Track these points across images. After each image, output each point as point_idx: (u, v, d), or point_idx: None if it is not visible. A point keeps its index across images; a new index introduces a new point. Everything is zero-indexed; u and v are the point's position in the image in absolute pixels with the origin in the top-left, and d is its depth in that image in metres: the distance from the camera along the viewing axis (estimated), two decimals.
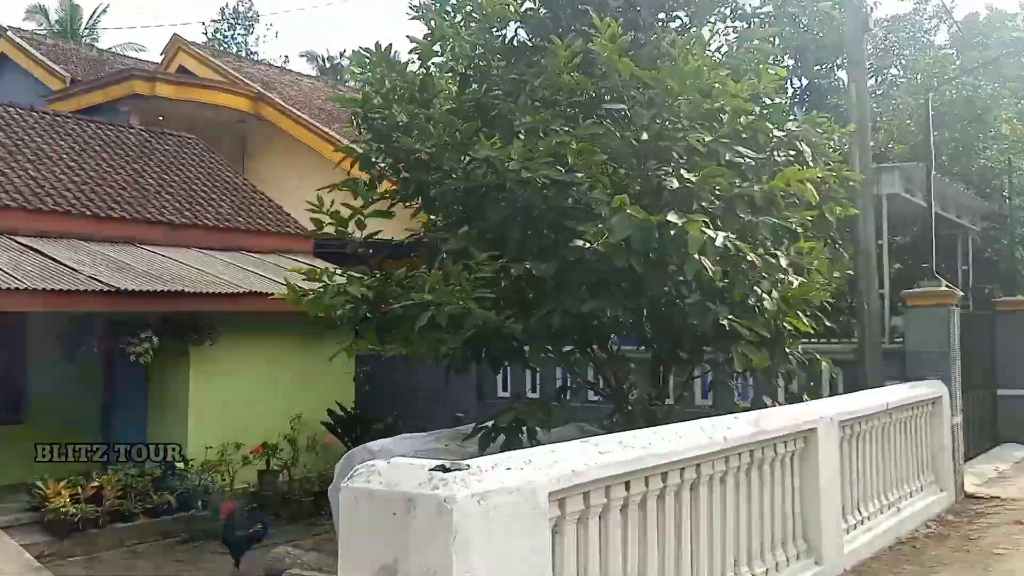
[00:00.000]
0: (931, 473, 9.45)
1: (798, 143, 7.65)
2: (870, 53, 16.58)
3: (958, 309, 10.22)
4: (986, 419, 13.40)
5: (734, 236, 5.90)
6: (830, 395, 11.05)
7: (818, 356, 8.11)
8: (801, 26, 15.00)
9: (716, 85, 6.60)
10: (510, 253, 6.48)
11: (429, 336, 6.24)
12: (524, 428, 6.50)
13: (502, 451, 6.56)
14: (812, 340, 12.08)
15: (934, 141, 16.30)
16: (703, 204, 6.55)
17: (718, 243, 5.65)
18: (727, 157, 7.10)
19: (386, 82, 7.52)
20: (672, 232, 5.67)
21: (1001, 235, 14.91)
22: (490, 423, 6.55)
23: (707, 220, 5.82)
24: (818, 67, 15.36)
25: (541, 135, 6.13)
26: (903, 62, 22.75)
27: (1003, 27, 23.39)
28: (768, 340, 7.10)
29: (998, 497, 9.87)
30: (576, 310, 5.91)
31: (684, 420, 5.72)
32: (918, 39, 23.40)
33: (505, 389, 13.95)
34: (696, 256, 5.66)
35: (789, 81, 15.84)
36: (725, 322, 6.47)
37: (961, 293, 10.20)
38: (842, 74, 15.97)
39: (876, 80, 18.39)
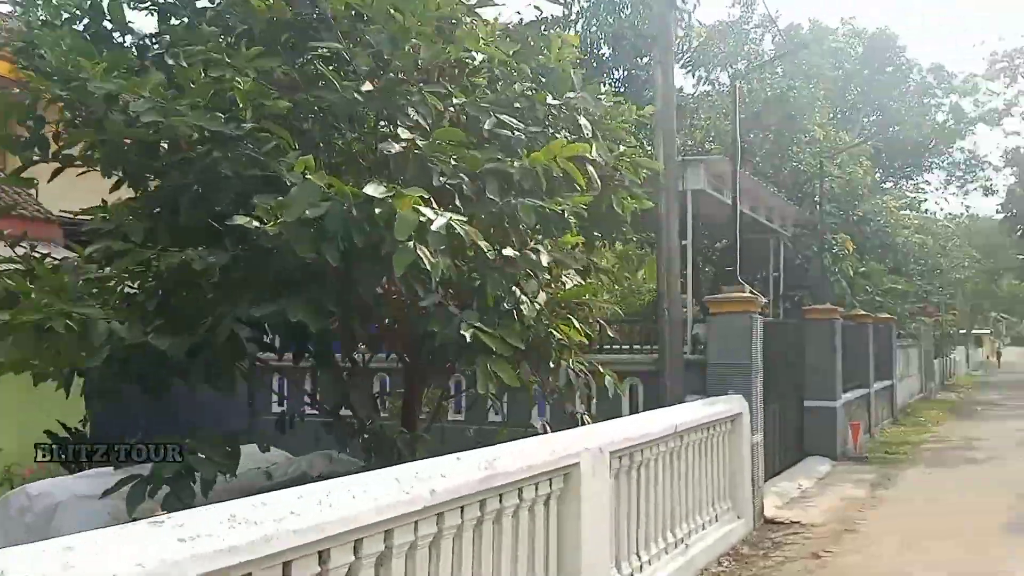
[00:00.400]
0: (728, 499, 8.52)
1: (576, 115, 6.42)
2: (692, 54, 16.08)
3: (761, 317, 9.42)
4: (793, 432, 12.91)
5: (463, 219, 4.49)
6: (631, 412, 10.04)
7: (601, 369, 6.93)
8: (620, 14, 14.17)
9: (462, 20, 5.20)
10: (185, 239, 4.81)
11: (59, 349, 4.48)
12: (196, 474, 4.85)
13: (165, 505, 4.91)
14: (617, 349, 11.21)
15: (749, 141, 15.91)
16: (447, 180, 5.15)
17: (436, 227, 4.23)
18: (487, 127, 5.77)
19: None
20: (378, 211, 4.20)
21: (812, 241, 14.63)
22: (146, 473, 4.85)
23: (427, 197, 4.39)
24: (637, 57, 14.64)
25: (207, 75, 4.49)
26: (730, 69, 22.67)
27: (824, 39, 23.82)
28: (530, 352, 5.82)
29: (798, 522, 9.11)
30: (248, 316, 4.33)
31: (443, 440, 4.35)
32: (743, 46, 23.43)
33: (283, 403, 12.22)
34: (410, 244, 4.22)
35: (608, 72, 15.00)
36: (467, 332, 5.09)
37: (764, 300, 9.41)
38: None
39: (698, 79, 18.00)
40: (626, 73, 14.83)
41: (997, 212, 52.49)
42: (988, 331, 67.66)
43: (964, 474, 12.22)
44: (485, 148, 5.71)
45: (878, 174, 24.33)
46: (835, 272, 14.97)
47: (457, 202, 5.22)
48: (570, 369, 6.60)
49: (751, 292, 9.32)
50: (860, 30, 32.77)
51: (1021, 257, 41.83)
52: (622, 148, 7.40)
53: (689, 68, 14.96)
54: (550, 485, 5.07)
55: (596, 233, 7.21)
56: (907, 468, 12.82)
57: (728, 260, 17.71)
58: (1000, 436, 16.84)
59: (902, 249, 20.38)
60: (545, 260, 5.48)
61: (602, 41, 14.58)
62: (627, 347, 10.48)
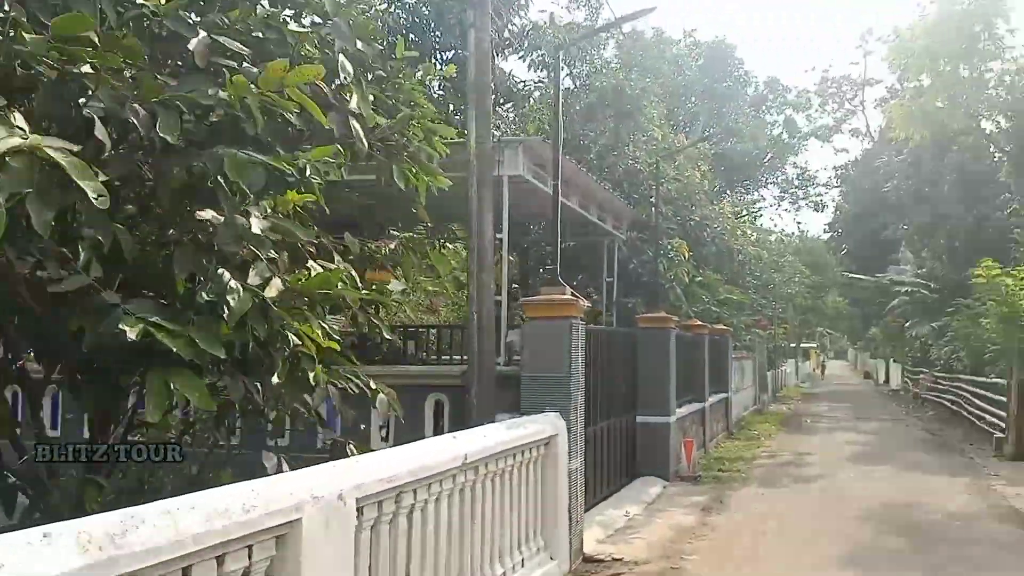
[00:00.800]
0: (539, 538, 7.18)
1: (335, 53, 4.87)
2: (529, 36, 14.95)
3: (583, 323, 8.20)
4: (624, 450, 11.86)
5: (68, 148, 2.82)
6: (435, 433, 8.56)
7: (373, 385, 5.38)
8: None
9: None
10: None
11: None
12: None
13: None
14: (423, 360, 9.78)
15: (583, 136, 14.92)
16: (95, 112, 3.47)
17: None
18: (195, 46, 4.12)
19: None
20: None
21: (648, 246, 13.77)
22: None
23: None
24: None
25: None
26: (575, 71, 21.86)
27: (667, 49, 23.49)
28: (253, 363, 4.22)
29: (620, 559, 7.91)
30: None
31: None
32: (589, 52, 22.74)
33: (56, 426, 10.05)
34: None
35: (436, 56, 13.57)
36: (132, 330, 3.43)
37: (587, 303, 8.19)
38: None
39: (530, 64, 16.84)
40: (454, 54, 13.48)
41: (825, 232, 55.51)
42: (815, 345, 71.40)
43: (797, 495, 11.55)
44: (187, 77, 4.08)
45: (717, 186, 24.20)
46: (670, 279, 14.18)
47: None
48: (332, 384, 5.06)
49: (573, 294, 8.06)
50: (701, 43, 33.24)
51: (846, 275, 43.86)
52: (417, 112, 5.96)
53: (522, 54, 13.87)
54: (249, 556, 3.47)
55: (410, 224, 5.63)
56: (740, 488, 12.04)
57: (573, 265, 16.72)
58: (829, 450, 16.64)
59: (739, 258, 20.12)
60: (257, 227, 3.88)
61: (431, 22, 13.15)
62: (434, 358, 9.00)
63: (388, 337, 5.38)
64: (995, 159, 29.78)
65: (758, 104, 35.87)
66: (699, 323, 16.17)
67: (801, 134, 38.44)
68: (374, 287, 5.68)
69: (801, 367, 57.26)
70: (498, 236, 8.53)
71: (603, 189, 11.48)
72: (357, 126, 4.93)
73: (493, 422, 7.72)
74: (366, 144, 5.01)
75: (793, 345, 52.23)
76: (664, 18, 74.74)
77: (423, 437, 8.05)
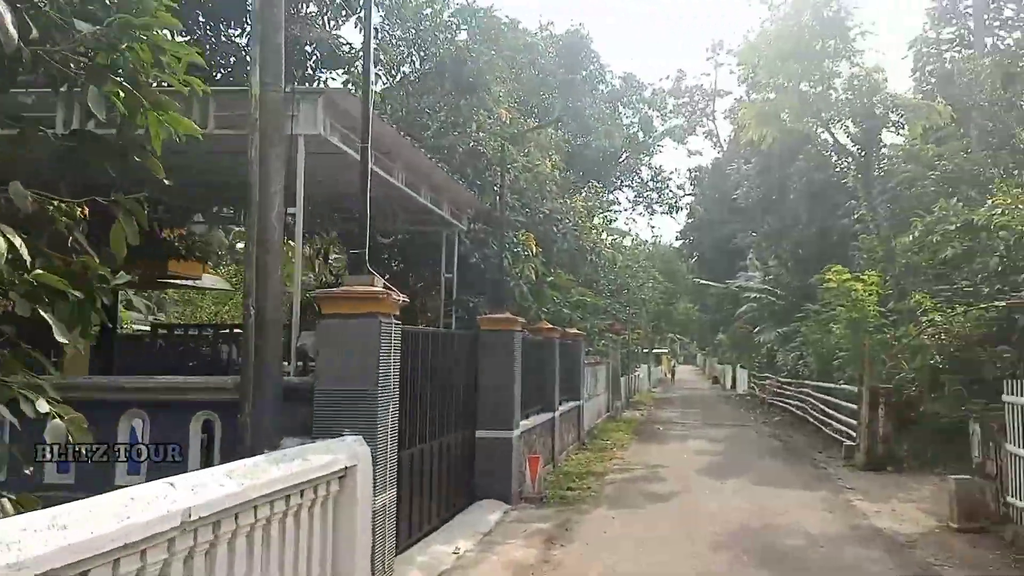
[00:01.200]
0: None
1: None
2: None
3: (397, 322, 6.60)
4: (460, 472, 10.33)
5: None
6: (204, 464, 6.66)
7: (45, 406, 3.55)
8: None
9: None
10: None
11: None
12: None
13: None
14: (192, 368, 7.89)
15: (419, 111, 13.29)
16: None
17: None
18: None
19: None
20: None
21: (494, 238, 12.32)
22: None
23: None
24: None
25: None
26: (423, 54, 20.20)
27: (520, 37, 22.30)
28: None
29: None
30: None
31: None
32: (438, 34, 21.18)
33: None
34: None
35: None
36: None
37: (403, 297, 6.58)
38: None
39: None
40: None
41: (677, 239, 56.48)
42: (666, 350, 72.85)
43: (651, 517, 10.37)
44: None
45: (571, 178, 23.04)
46: (517, 275, 12.77)
47: None
48: None
49: (386, 287, 6.44)
50: (557, 36, 32.22)
51: (698, 281, 44.44)
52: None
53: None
54: None
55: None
56: (590, 510, 10.77)
57: (411, 260, 14.90)
58: (682, 460, 15.78)
59: (590, 258, 19.04)
60: None
61: None
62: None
63: (62, 340, 3.55)
64: (837, 168, 30.60)
65: (614, 100, 35.25)
66: (550, 326, 14.91)
67: (656, 134, 38.27)
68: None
69: (654, 372, 57.97)
70: (289, 210, 6.78)
71: (440, 170, 9.90)
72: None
73: (277, 448, 5.98)
74: (14, 36, 3.21)
75: (646, 350, 52.64)
76: (521, 13, 74.29)
77: (188, 470, 6.17)
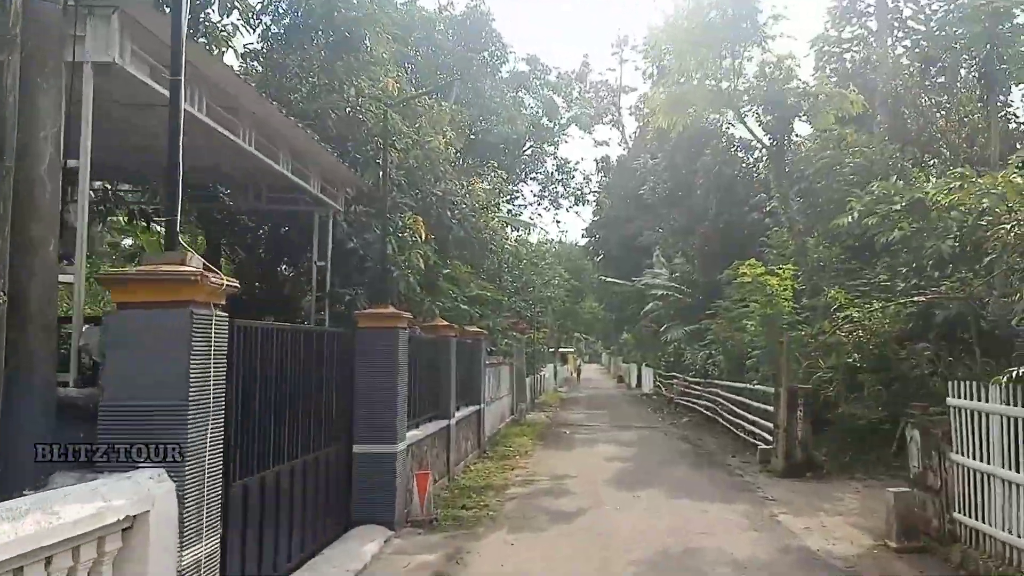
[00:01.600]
0: None
1: None
2: None
3: (224, 315, 4.98)
4: (332, 494, 8.72)
5: None
6: None
7: None
8: None
9: None
10: None
11: None
12: None
13: None
14: None
15: (285, 63, 11.50)
16: None
17: None
18: None
19: None
20: None
21: (376, 221, 10.65)
22: None
23: None
24: None
25: None
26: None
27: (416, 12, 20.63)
28: None
29: None
30: None
31: None
32: None
33: None
34: None
35: None
36: None
37: (229, 282, 4.96)
38: None
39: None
40: None
41: (583, 237, 55.74)
42: (572, 349, 72.23)
43: (557, 542, 8.98)
44: None
45: (468, 161, 21.38)
46: (403, 264, 11.12)
47: None
48: None
49: (206, 267, 4.80)
50: (456, 16, 30.34)
51: (603, 279, 43.70)
52: None
53: None
54: None
55: None
56: (486, 534, 9.32)
57: (341, 262, 12.97)
58: (591, 469, 14.54)
59: (490, 247, 17.52)
60: None
61: None
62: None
63: None
64: (743, 164, 30.13)
65: (518, 84, 33.72)
66: (445, 323, 13.38)
67: (562, 121, 36.99)
68: None
69: (560, 371, 57.11)
70: (67, 164, 5.04)
71: (303, 132, 8.21)
72: None
73: (46, 488, 4.28)
74: None
75: (552, 350, 51.69)
76: None
77: None
